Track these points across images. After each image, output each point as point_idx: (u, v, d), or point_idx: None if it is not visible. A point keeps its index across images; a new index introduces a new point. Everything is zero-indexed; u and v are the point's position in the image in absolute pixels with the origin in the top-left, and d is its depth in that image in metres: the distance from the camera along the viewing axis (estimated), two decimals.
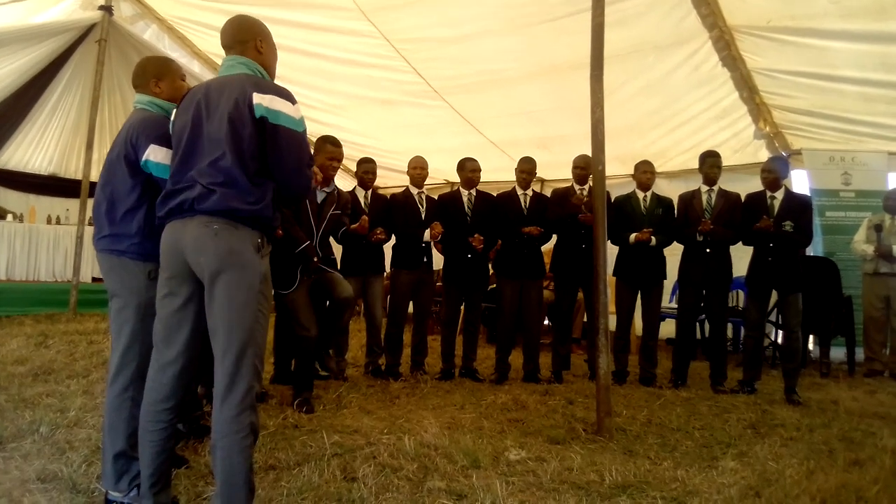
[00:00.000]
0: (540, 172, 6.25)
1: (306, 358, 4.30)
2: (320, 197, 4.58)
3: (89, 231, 8.51)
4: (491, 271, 6.00)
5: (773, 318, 6.15)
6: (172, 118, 2.55)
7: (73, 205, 9.48)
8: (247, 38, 2.55)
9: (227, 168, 2.30)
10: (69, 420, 3.55)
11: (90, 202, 8.09)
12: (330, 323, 4.50)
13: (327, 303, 4.56)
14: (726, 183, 5.78)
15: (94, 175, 8.43)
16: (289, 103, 2.40)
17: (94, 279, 9.20)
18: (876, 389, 5.71)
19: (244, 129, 2.32)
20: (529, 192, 5.71)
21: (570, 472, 3.14)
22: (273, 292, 2.42)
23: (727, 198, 5.49)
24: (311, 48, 6.96)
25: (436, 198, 5.83)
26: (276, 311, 4.99)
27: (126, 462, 2.55)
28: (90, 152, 8.13)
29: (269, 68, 2.61)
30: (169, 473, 2.49)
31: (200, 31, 8.00)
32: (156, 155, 2.60)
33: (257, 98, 2.32)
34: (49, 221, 10.18)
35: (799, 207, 5.27)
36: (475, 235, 5.41)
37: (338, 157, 4.64)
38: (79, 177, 8.76)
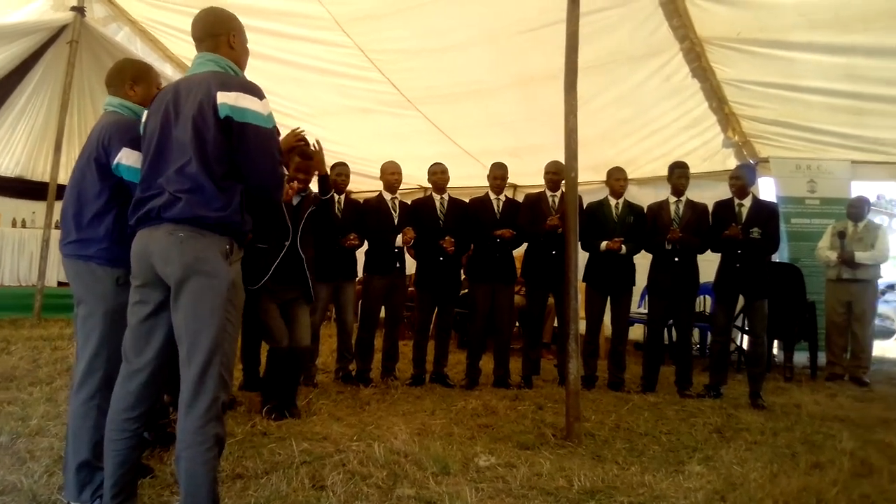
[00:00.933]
0: (512, 179, 6.29)
1: (279, 369, 4.19)
2: (296, 200, 4.42)
3: (55, 234, 8.36)
4: (463, 276, 6.02)
5: (738, 322, 6.25)
6: (143, 120, 2.51)
7: (39, 208, 9.33)
8: (220, 31, 2.50)
9: (192, 174, 2.25)
10: (31, 429, 3.49)
11: (57, 205, 7.94)
12: (283, 374, 4.21)
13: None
14: (695, 190, 5.87)
15: (62, 178, 8.32)
16: (256, 99, 2.33)
17: (59, 283, 9.03)
18: (836, 393, 5.85)
19: (208, 133, 2.27)
20: (502, 198, 5.75)
21: (539, 478, 3.16)
22: (243, 298, 2.37)
23: (694, 208, 5.59)
24: (285, 56, 6.93)
25: (409, 203, 5.83)
26: (242, 317, 4.95)
27: (89, 472, 2.51)
28: (58, 154, 8.00)
29: (241, 64, 2.55)
30: (134, 484, 2.45)
31: (173, 34, 7.92)
32: (128, 158, 2.57)
33: (221, 97, 2.26)
34: (14, 224, 9.99)
35: (766, 214, 5.38)
36: (446, 238, 5.43)
37: (304, 170, 4.36)
38: (46, 179, 8.62)
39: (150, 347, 2.35)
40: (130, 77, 2.83)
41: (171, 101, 2.37)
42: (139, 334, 2.36)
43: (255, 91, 2.35)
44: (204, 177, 2.26)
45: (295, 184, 4.22)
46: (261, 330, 4.36)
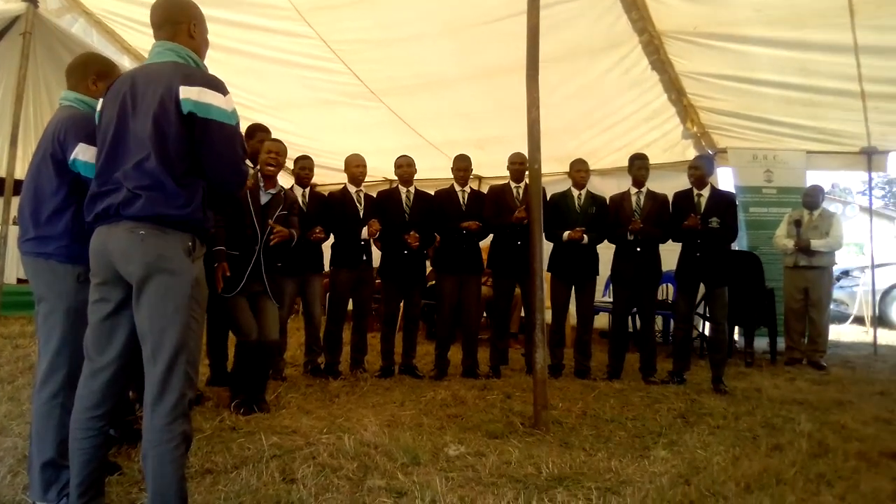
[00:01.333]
0: (477, 171, 6.31)
1: (247, 362, 4.16)
2: (265, 199, 4.38)
3: (13, 231, 8.11)
4: (429, 268, 6.04)
5: (700, 310, 6.38)
6: (98, 109, 2.44)
7: None
8: (181, 19, 2.43)
9: (152, 170, 2.20)
10: None
11: (15, 200, 7.69)
12: (251, 367, 4.18)
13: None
14: (656, 180, 5.97)
15: (19, 172, 8.08)
16: (220, 94, 2.28)
17: (18, 280, 8.81)
18: (795, 377, 6.02)
19: (170, 128, 2.22)
20: (468, 189, 5.78)
21: (508, 466, 3.21)
22: (207, 294, 2.36)
23: (655, 199, 5.69)
24: (244, 47, 6.83)
25: (374, 195, 5.83)
26: (207, 312, 4.90)
27: (54, 472, 2.48)
28: (14, 149, 7.76)
29: (200, 54, 2.49)
30: (101, 482, 2.42)
31: (130, 26, 7.75)
32: (84, 154, 2.52)
33: (184, 92, 2.21)
34: None
35: (724, 204, 5.49)
36: (411, 233, 5.44)
37: (276, 151, 4.42)
38: (2, 174, 8.39)
39: (113, 346, 2.32)
40: (94, 72, 2.79)
41: (129, 91, 2.30)
42: (101, 332, 2.32)
43: (219, 86, 2.31)
44: (164, 174, 2.20)
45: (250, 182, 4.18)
46: (229, 323, 4.33)
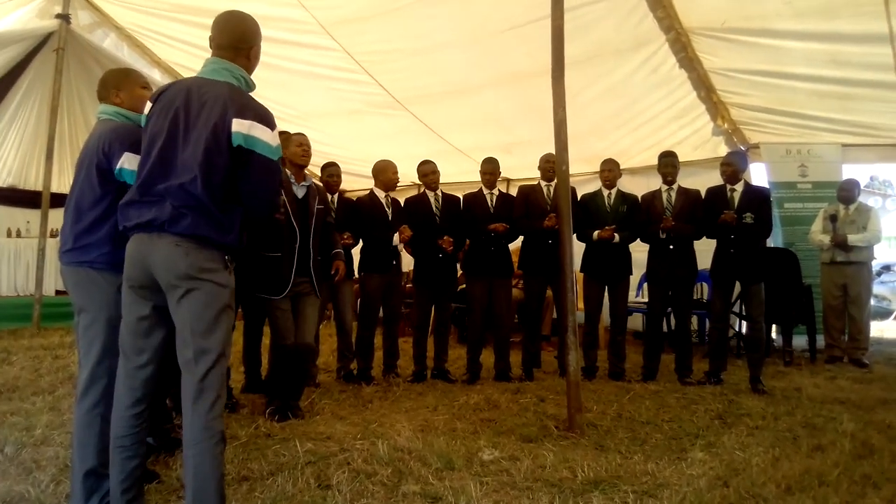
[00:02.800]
0: (505, 173, 6.32)
1: (283, 366, 4.18)
2: (300, 192, 4.34)
3: (51, 243, 8.35)
4: (460, 272, 6.03)
5: (736, 308, 6.28)
6: (147, 113, 2.47)
7: (33, 216, 9.28)
8: (244, 46, 2.52)
9: (197, 194, 2.28)
10: (35, 438, 3.50)
11: (51, 213, 7.97)
12: (288, 371, 4.20)
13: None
14: (687, 178, 5.90)
15: (55, 186, 8.33)
16: (268, 130, 2.37)
17: (57, 292, 9.02)
18: (836, 375, 5.89)
19: (220, 160, 2.31)
20: (496, 192, 5.76)
21: (543, 470, 3.18)
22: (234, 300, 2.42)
23: (687, 195, 5.60)
24: (272, 61, 6.91)
25: (402, 200, 5.84)
26: (244, 320, 4.96)
27: (96, 480, 2.52)
28: (50, 162, 7.98)
29: (251, 72, 2.57)
30: (141, 482, 2.47)
31: (160, 39, 7.89)
32: (130, 163, 2.57)
33: (236, 125, 2.30)
34: (9, 234, 9.96)
35: (758, 199, 5.40)
36: (444, 237, 5.44)
37: (305, 143, 4.43)
38: (39, 188, 8.59)
39: (149, 346, 2.39)
40: (112, 85, 2.85)
41: (182, 106, 2.36)
42: (137, 332, 2.39)
43: (268, 120, 2.39)
44: (208, 199, 2.29)
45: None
46: (270, 324, 4.29)
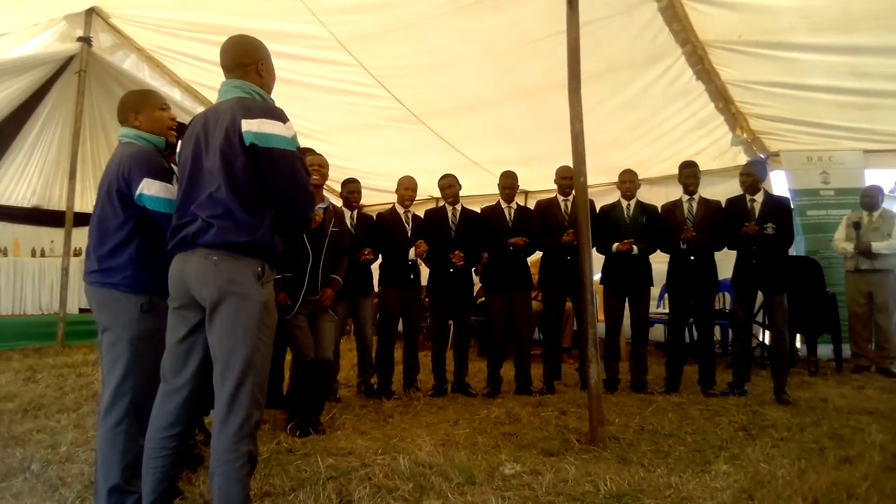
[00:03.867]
0: (523, 185, 6.33)
1: (305, 382, 4.20)
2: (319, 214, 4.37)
3: (75, 262, 8.47)
4: (478, 285, 6.02)
5: (759, 318, 6.21)
6: (178, 150, 2.59)
7: (57, 236, 9.41)
8: (249, 61, 2.57)
9: (221, 199, 2.33)
10: (61, 455, 3.53)
11: (75, 233, 8.09)
12: (309, 386, 4.22)
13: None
14: (707, 188, 5.87)
15: (78, 205, 8.45)
16: (279, 123, 2.41)
17: (81, 310, 9.14)
18: (863, 385, 5.79)
19: (236, 160, 2.35)
20: (514, 206, 5.76)
21: (565, 484, 3.16)
22: (276, 319, 2.44)
23: (708, 205, 5.57)
24: (290, 76, 7.00)
25: (421, 215, 5.86)
26: None
27: (120, 497, 2.54)
28: (73, 182, 8.11)
29: (268, 89, 2.62)
30: (170, 502, 2.48)
31: (180, 59, 8.01)
32: (150, 188, 2.62)
33: (245, 125, 2.34)
34: (34, 254, 10.10)
35: (779, 209, 5.35)
36: (456, 252, 5.45)
37: (318, 163, 4.41)
38: (62, 207, 8.72)
39: (188, 368, 2.41)
40: (132, 109, 2.89)
41: (202, 130, 2.45)
42: (177, 355, 2.42)
43: (278, 115, 2.43)
44: (233, 202, 2.34)
45: (319, 216, 4.24)
46: (288, 342, 4.34)
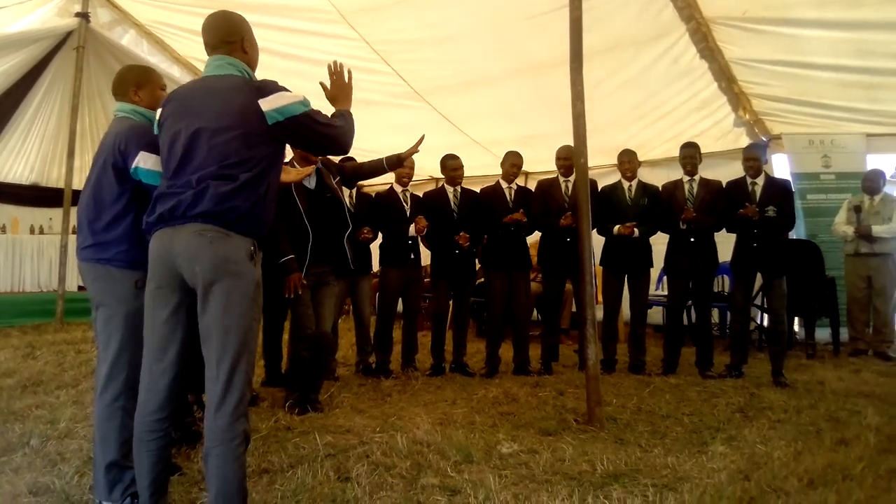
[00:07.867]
0: (524, 166, 6.27)
1: (304, 356, 4.15)
2: (312, 182, 4.26)
3: (73, 240, 8.36)
4: (478, 265, 6.02)
5: (758, 301, 6.21)
6: (159, 118, 2.49)
7: (56, 214, 9.40)
8: (233, 38, 2.52)
9: (230, 169, 2.31)
10: (60, 431, 3.54)
11: (73, 210, 8.03)
12: (308, 360, 4.17)
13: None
14: (709, 169, 5.84)
15: (77, 183, 8.40)
16: (286, 92, 2.41)
17: (79, 288, 9.09)
18: (860, 368, 5.81)
19: (251, 138, 2.34)
20: (514, 186, 5.73)
21: (562, 463, 3.17)
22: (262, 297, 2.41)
23: (708, 186, 5.54)
24: (288, 50, 6.93)
25: (420, 195, 5.83)
26: (264, 314, 4.96)
27: (118, 472, 2.55)
28: (71, 160, 8.07)
29: (253, 66, 2.58)
30: (166, 481, 2.49)
31: (179, 34, 7.94)
32: (146, 162, 2.59)
33: (265, 105, 2.34)
34: (32, 231, 10.10)
35: (780, 192, 5.34)
36: (461, 233, 5.43)
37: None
38: (61, 185, 8.69)
39: (173, 347, 2.37)
40: (133, 83, 2.85)
41: (199, 102, 2.39)
42: (161, 336, 2.37)
43: (281, 87, 2.43)
44: (241, 171, 2.32)
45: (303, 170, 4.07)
46: (292, 313, 4.28)
